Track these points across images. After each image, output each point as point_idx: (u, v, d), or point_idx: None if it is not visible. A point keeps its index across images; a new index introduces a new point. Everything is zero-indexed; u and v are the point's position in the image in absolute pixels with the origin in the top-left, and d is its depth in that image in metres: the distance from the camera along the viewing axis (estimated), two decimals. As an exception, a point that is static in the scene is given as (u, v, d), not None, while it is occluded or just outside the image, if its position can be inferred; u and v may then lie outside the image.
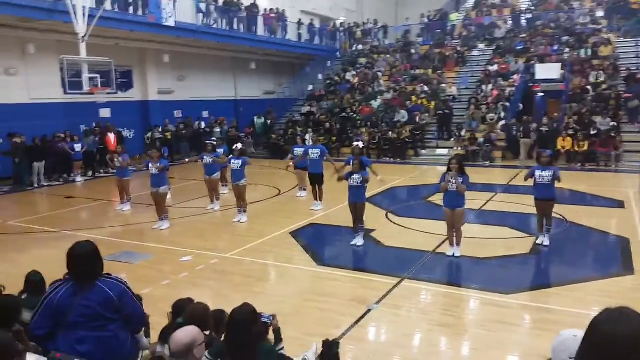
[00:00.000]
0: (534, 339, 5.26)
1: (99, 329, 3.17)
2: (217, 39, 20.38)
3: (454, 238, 7.81)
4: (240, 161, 10.21)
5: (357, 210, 8.48)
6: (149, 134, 19.25)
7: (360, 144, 10.05)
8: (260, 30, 22.77)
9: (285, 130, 21.88)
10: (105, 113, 17.71)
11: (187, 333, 2.95)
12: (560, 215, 9.72)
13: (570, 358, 1.97)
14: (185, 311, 3.68)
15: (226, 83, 24.40)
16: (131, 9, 16.87)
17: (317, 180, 11.29)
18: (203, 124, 21.43)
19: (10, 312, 3.31)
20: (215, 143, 12.33)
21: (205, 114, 22.39)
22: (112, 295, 3.18)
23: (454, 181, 7.50)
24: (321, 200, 11.23)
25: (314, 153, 11.49)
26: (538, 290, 6.72)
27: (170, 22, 17.34)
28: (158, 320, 4.00)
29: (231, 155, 10.61)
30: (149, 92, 20.57)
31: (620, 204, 11.19)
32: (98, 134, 17.43)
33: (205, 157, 11.26)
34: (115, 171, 12.05)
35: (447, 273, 7.43)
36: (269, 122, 23.09)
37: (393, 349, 5.19)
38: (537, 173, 8.09)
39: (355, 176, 8.32)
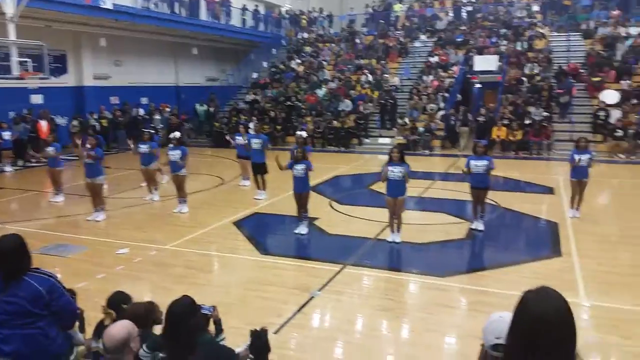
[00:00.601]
0: (470, 320, 5.47)
1: (26, 326, 3.04)
2: (157, 22, 19.69)
3: (395, 225, 8.00)
4: (179, 151, 9.82)
5: (301, 199, 8.50)
6: (75, 122, 18.17)
7: (304, 134, 10.00)
8: (203, 14, 22.20)
9: (229, 119, 21.54)
10: (37, 99, 16.82)
11: (121, 327, 2.87)
12: (494, 202, 10.15)
13: (497, 338, 2.06)
14: (124, 310, 3.58)
15: (166, 68, 23.70)
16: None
17: (260, 169, 11.17)
18: (142, 111, 20.72)
19: None
20: (152, 132, 11.85)
21: (144, 100, 21.66)
22: (40, 290, 3.05)
23: (396, 170, 7.64)
24: (265, 190, 11.15)
25: (256, 143, 11.30)
26: (474, 273, 6.99)
27: (108, 5, 16.57)
28: (94, 314, 3.87)
29: (170, 145, 10.10)
30: (84, 78, 19.66)
31: (550, 190, 11.80)
32: (29, 121, 16.49)
33: (141, 146, 10.78)
34: (47, 161, 11.39)
35: (388, 259, 7.60)
36: (211, 109, 22.63)
37: (336, 334, 5.27)
38: (472, 163, 8.38)
39: (299, 166, 8.30)
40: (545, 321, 1.64)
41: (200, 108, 22.64)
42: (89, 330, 3.86)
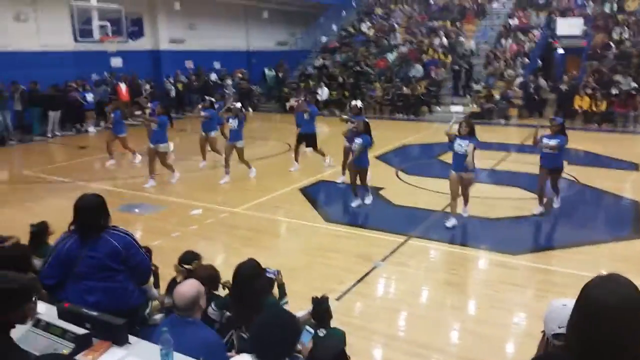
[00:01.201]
0: (537, 300, 5.28)
1: (107, 279, 3.25)
2: (230, -15, 19.84)
3: (460, 202, 7.47)
4: (237, 120, 9.67)
5: (358, 174, 8.16)
6: (147, 86, 18.20)
7: (359, 103, 9.62)
8: (275, -23, 22.13)
9: (297, 84, 21.58)
10: (116, 62, 17.57)
11: (191, 286, 3.00)
12: (572, 177, 9.61)
13: (560, 327, 1.97)
14: (194, 272, 3.75)
15: (238, 33, 23.94)
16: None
17: (307, 140, 10.73)
18: (214, 76, 21.18)
19: (22, 261, 3.40)
20: (213, 100, 11.63)
21: (216, 64, 22.09)
22: (118, 246, 3.24)
23: (463, 145, 7.10)
24: (325, 156, 10.84)
25: (306, 112, 10.74)
26: (545, 251, 6.71)
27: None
28: (168, 271, 4.08)
29: (229, 114, 9.98)
30: (160, 41, 20.28)
31: (635, 167, 10.99)
32: (109, 84, 17.30)
33: (203, 113, 10.75)
34: (111, 126, 11.41)
35: (454, 232, 7.37)
36: (280, 74, 22.71)
37: (399, 305, 5.28)
38: (545, 141, 7.61)
39: (357, 140, 7.94)
40: (608, 310, 1.52)
41: (269, 73, 22.78)
42: (163, 285, 4.08)
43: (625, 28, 19.13)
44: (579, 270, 5.74)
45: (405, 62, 20.83)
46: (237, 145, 9.78)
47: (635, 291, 1.56)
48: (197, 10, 21.20)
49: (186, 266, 3.89)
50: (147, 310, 3.77)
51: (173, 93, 19.33)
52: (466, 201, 7.66)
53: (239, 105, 10.18)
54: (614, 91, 16.49)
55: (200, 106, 11.51)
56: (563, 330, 1.86)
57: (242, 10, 23.55)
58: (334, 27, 25.61)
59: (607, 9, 20.47)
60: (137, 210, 8.20)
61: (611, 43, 18.73)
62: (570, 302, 1.76)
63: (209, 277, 3.69)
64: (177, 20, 20.63)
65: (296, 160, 10.88)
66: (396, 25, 23.71)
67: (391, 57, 21.53)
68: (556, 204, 8.12)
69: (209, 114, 10.72)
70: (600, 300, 1.55)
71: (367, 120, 8.51)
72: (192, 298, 2.93)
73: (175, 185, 9.74)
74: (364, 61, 21.64)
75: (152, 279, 4.01)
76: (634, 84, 16.55)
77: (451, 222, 7.35)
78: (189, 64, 21.05)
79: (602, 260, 6.14)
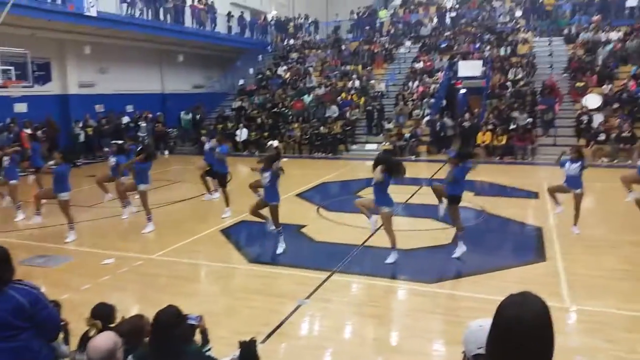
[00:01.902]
0: (456, 326, 5.46)
1: (8, 339, 3.02)
2: (142, 30, 19.63)
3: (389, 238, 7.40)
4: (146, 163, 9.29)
5: (269, 211, 7.98)
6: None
7: (275, 143, 9.74)
8: (188, 21, 22.18)
9: (215, 126, 21.49)
10: (21, 108, 16.65)
11: (107, 338, 2.86)
12: (480, 207, 10.23)
13: (479, 348, 2.07)
14: (116, 327, 3.54)
15: (152, 76, 23.61)
16: (49, -4, 15.91)
17: (218, 178, 10.57)
18: (127, 119, 20.59)
19: None
20: (119, 143, 11.17)
21: (129, 108, 21.52)
22: (23, 302, 3.03)
23: (379, 177, 7.14)
24: (228, 206, 10.31)
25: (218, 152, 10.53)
26: (460, 279, 7.03)
27: (92, 12, 16.50)
28: (78, 326, 3.84)
29: (137, 159, 9.40)
30: (69, 86, 19.51)
31: (535, 195, 11.93)
32: (12, 131, 16.27)
33: (111, 158, 10.39)
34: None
35: (375, 265, 7.53)
36: (197, 117, 22.53)
37: (323, 342, 5.27)
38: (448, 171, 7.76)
39: (265, 174, 7.84)
40: (522, 325, 1.64)
41: (185, 117, 22.55)
42: (74, 342, 3.83)
43: (519, 69, 21.06)
44: (489, 294, 6.05)
45: (321, 104, 21.48)
46: (141, 188, 9.26)
47: (544, 307, 1.70)
48: (109, 54, 20.73)
49: (110, 326, 3.66)
50: (56, 370, 3.51)
51: (82, 138, 18.55)
52: (393, 244, 7.42)
53: (131, 145, 10.01)
54: (512, 126, 17.97)
55: (107, 150, 11.12)
56: (482, 351, 1.96)
57: (156, 53, 23.31)
58: (251, 71, 25.99)
59: (502, 52, 22.46)
60: (41, 261, 7.66)
61: (507, 82, 20.49)
62: (486, 323, 1.86)
63: (132, 330, 3.48)
64: (87, 64, 20.03)
65: (208, 190, 10.78)
66: (311, 69, 24.51)
67: (307, 99, 22.12)
68: (457, 253, 7.68)
69: (118, 159, 10.17)
70: (515, 317, 1.66)
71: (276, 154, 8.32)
72: (108, 351, 2.79)
73: (87, 234, 9.22)
74: (282, 103, 22.07)
75: (61, 335, 3.76)
76: (529, 120, 18.14)
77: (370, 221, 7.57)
78: (99, 108, 20.34)
79: (509, 284, 6.49)
